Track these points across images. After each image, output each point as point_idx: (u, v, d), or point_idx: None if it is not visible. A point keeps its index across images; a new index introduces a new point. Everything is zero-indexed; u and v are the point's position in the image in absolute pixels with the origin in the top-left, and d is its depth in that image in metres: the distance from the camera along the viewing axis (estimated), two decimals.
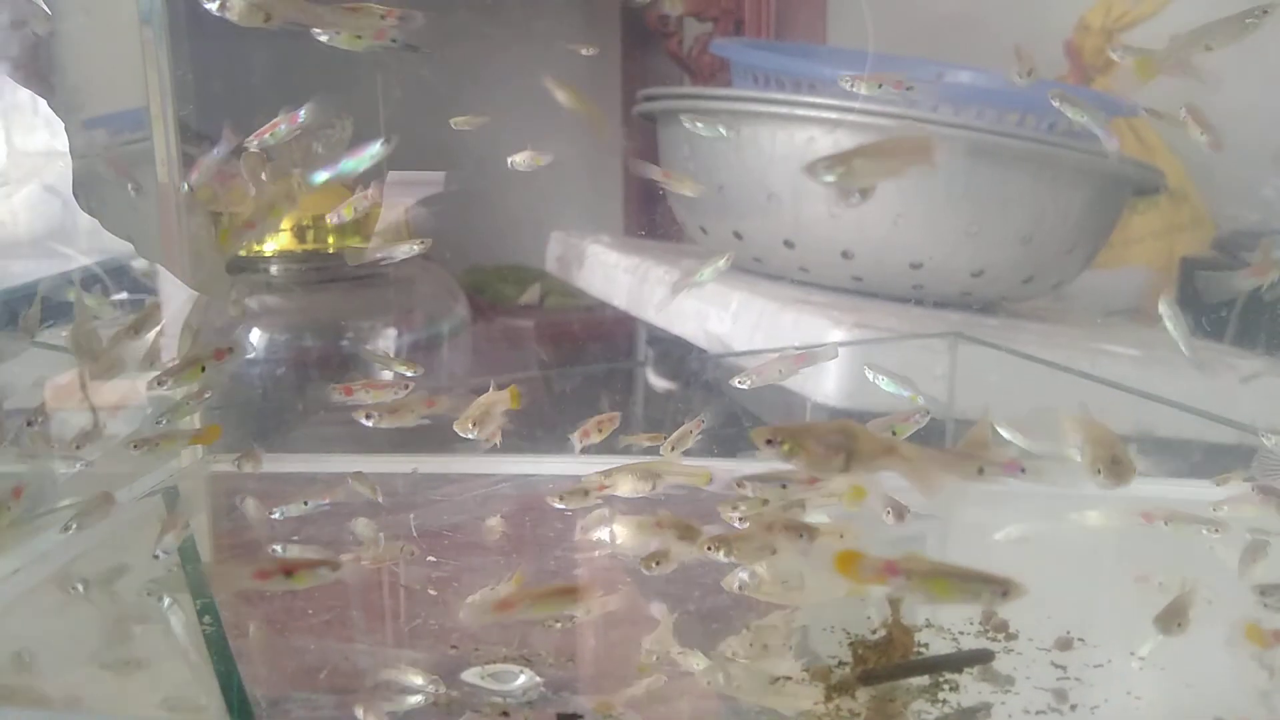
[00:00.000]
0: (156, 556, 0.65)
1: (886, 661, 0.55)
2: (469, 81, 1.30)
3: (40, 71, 1.06)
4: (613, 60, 1.43)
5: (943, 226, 1.01)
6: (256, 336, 1.03)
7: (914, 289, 1.05)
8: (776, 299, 1.00)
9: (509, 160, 0.92)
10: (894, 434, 0.68)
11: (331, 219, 0.90)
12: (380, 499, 0.75)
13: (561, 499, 0.68)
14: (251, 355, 1.03)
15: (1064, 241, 1.04)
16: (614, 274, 1.17)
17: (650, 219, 1.37)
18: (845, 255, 1.03)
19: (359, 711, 0.52)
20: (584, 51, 1.00)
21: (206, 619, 0.61)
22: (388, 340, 1.05)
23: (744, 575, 0.62)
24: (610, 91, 1.42)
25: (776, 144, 1.03)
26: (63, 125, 1.09)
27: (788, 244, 1.05)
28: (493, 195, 1.39)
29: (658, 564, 0.60)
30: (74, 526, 0.65)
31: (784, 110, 1.02)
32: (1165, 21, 1.23)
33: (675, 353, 1.07)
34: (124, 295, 1.09)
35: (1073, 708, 0.53)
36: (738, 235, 1.08)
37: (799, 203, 1.03)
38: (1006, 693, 0.54)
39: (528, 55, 1.37)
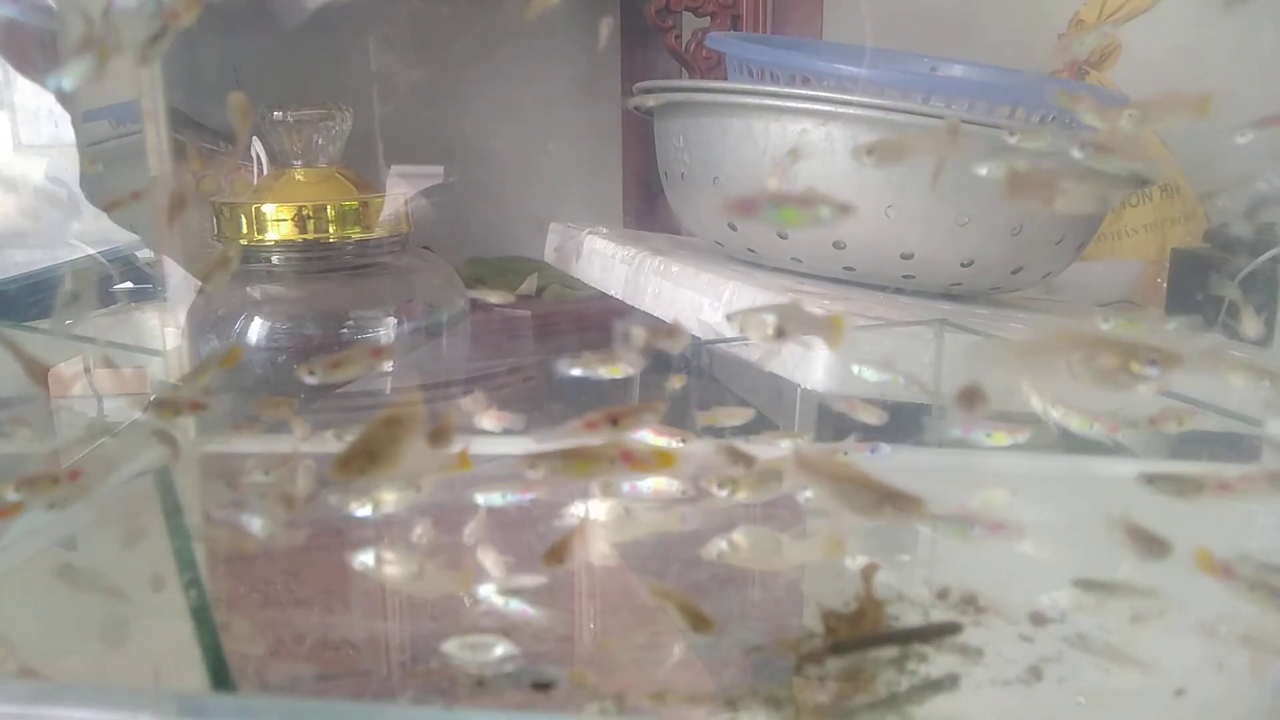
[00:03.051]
0: None
1: (857, 633, 0.57)
2: (468, 74, 1.32)
3: (46, 65, 1.08)
4: (613, 54, 1.45)
5: (933, 218, 1.02)
6: (257, 325, 1.04)
7: (905, 279, 1.06)
8: (769, 288, 1.01)
9: None
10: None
11: None
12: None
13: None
14: (254, 343, 1.05)
15: (1053, 233, 1.05)
16: (611, 264, 1.18)
17: (648, 211, 1.39)
18: (837, 246, 1.04)
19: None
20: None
21: (192, 593, 0.62)
22: (387, 329, 1.07)
23: (723, 544, 0.63)
24: (610, 85, 1.43)
25: (770, 136, 1.04)
26: (69, 118, 1.11)
27: (781, 235, 1.06)
28: (495, 188, 1.40)
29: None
30: None
31: (777, 103, 1.04)
32: (1156, 16, 1.24)
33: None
34: (128, 285, 1.11)
35: (1039, 678, 0.55)
36: (732, 226, 1.10)
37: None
38: (975, 664, 0.56)
39: (527, 48, 1.39)
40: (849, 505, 0.51)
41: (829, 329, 0.64)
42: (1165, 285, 1.21)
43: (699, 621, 0.56)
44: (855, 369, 0.86)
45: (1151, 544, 0.57)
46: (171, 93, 1.11)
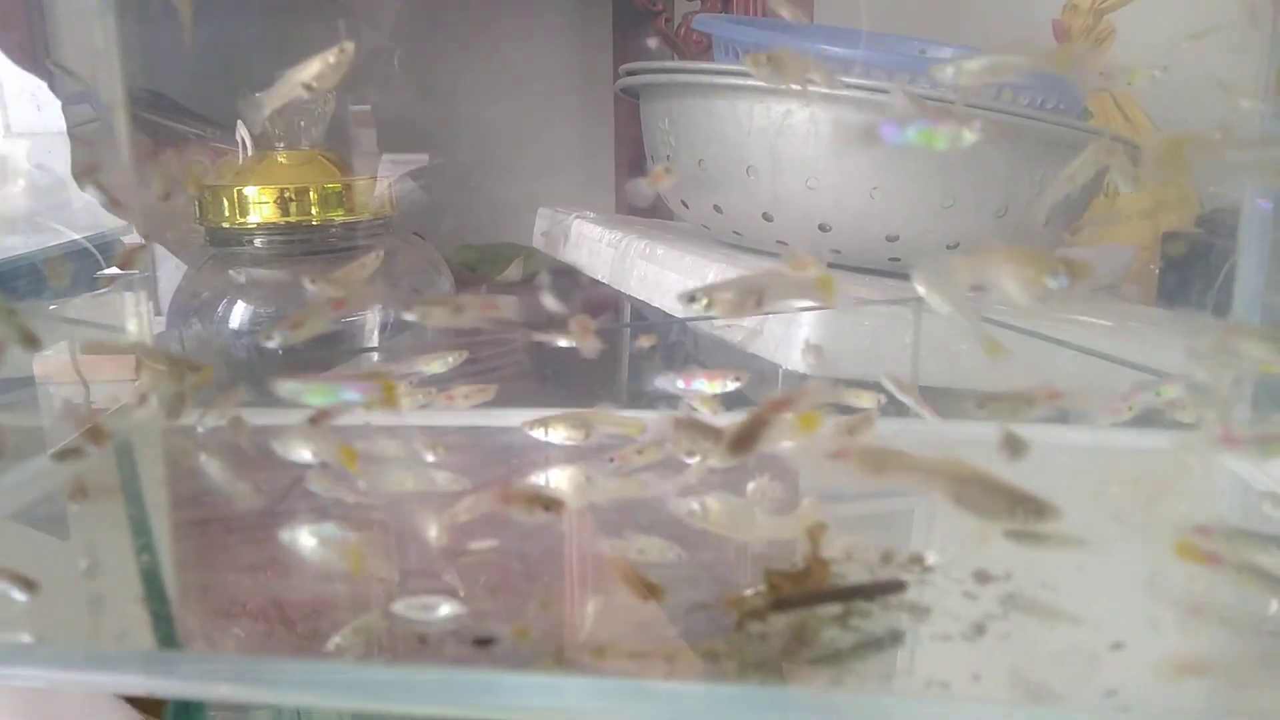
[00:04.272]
0: None
1: (800, 590, 0.56)
2: (459, 59, 1.32)
3: (36, 53, 1.09)
4: (604, 39, 1.45)
5: (918, 199, 1.01)
6: (240, 309, 1.04)
7: (891, 261, 1.05)
8: (752, 271, 1.01)
9: None
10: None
11: None
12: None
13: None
14: (236, 326, 1.05)
15: (1038, 215, 1.04)
16: (598, 248, 1.18)
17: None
18: (822, 228, 1.04)
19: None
20: None
21: (144, 557, 0.63)
22: (371, 312, 1.07)
23: (694, 505, 0.63)
24: (603, 70, 1.43)
25: (754, 117, 1.04)
26: (59, 105, 1.11)
27: (766, 217, 1.06)
28: (487, 173, 1.40)
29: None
30: None
31: (761, 84, 1.03)
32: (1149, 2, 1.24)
33: (656, 322, 1.08)
34: (114, 270, 1.11)
35: (982, 634, 0.54)
36: (718, 209, 1.09)
37: (777, 176, 1.04)
38: (920, 621, 0.56)
39: (519, 32, 1.39)
40: (975, 509, 0.50)
41: (819, 289, 0.64)
42: (1157, 270, 1.21)
43: (650, 590, 0.56)
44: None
45: (1015, 445, 0.58)
46: (156, 77, 1.12)
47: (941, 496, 0.51)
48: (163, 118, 1.16)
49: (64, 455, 0.73)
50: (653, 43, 1.09)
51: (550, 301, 0.62)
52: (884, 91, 0.98)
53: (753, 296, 0.62)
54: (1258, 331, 0.60)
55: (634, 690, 0.50)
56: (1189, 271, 1.13)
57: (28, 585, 0.58)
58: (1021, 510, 0.48)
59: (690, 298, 0.62)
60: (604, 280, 1.15)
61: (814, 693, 0.51)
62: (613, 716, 0.50)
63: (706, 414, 0.76)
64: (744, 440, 0.54)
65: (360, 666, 0.54)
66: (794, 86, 0.73)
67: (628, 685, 0.51)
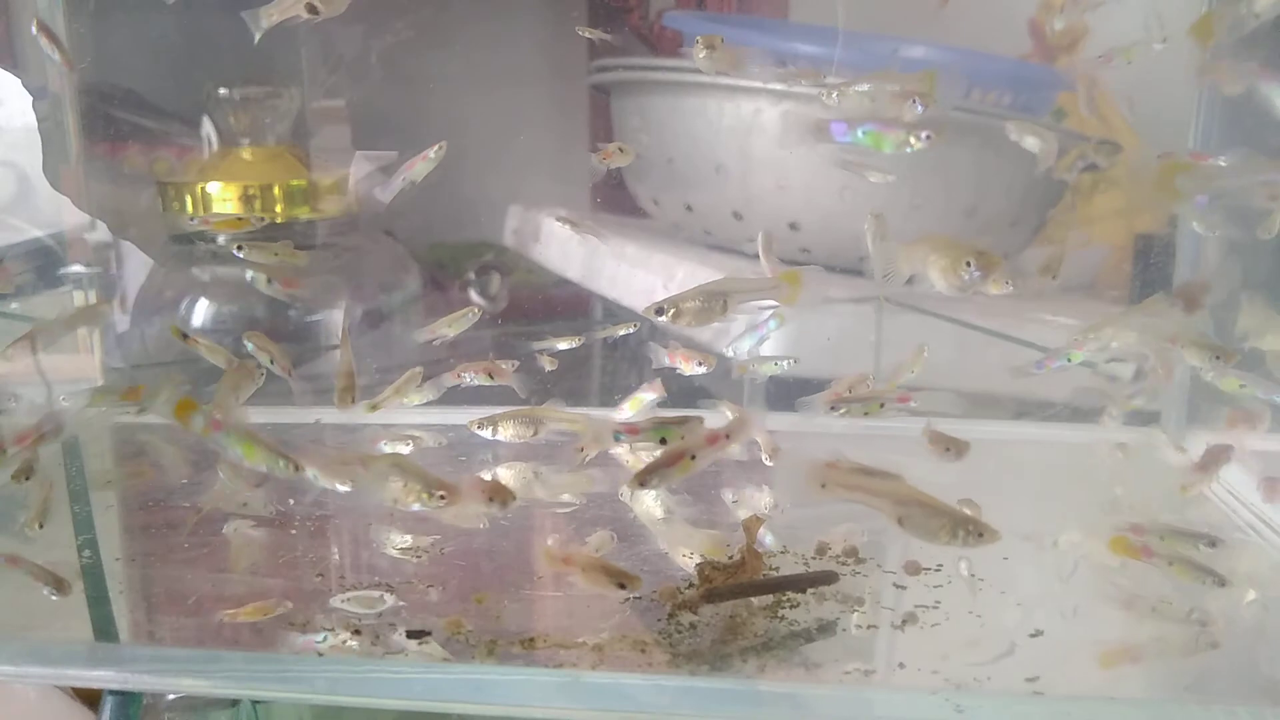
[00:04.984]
0: None
1: (733, 582, 0.56)
2: (433, 55, 1.31)
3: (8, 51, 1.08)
4: (578, 36, 1.44)
5: (887, 199, 1.00)
6: (203, 306, 1.04)
7: (860, 261, 1.04)
8: (722, 270, 1.00)
9: None
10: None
11: None
12: None
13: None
14: (200, 325, 1.04)
15: (1007, 215, 1.04)
16: (568, 247, 1.17)
17: (615, 194, 1.38)
18: (793, 227, 1.03)
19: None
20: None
21: (86, 553, 0.63)
22: (336, 310, 1.06)
23: (626, 490, 0.64)
24: (577, 67, 1.42)
25: (724, 115, 1.03)
26: (31, 101, 1.10)
27: (736, 216, 1.05)
28: (460, 171, 1.39)
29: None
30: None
31: (731, 82, 1.02)
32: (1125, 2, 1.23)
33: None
34: (78, 268, 1.10)
35: (905, 624, 0.55)
36: (688, 207, 1.08)
37: (747, 175, 1.03)
38: (852, 611, 0.57)
39: (493, 30, 1.38)
40: (919, 530, 0.50)
41: (784, 287, 0.64)
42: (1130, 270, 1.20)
43: (625, 579, 0.56)
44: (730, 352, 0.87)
45: (949, 444, 0.62)
46: (123, 73, 1.11)
47: (885, 518, 0.51)
48: (129, 113, 1.15)
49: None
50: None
51: (475, 296, 0.62)
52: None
53: (718, 302, 0.62)
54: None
55: (571, 683, 0.51)
56: (1161, 271, 1.13)
57: (59, 585, 0.58)
58: (963, 532, 0.49)
59: (657, 310, 0.62)
60: (575, 279, 1.14)
61: (749, 684, 0.51)
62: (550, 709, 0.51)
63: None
64: (651, 475, 0.54)
65: (293, 658, 0.54)
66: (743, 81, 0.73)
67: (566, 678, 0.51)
